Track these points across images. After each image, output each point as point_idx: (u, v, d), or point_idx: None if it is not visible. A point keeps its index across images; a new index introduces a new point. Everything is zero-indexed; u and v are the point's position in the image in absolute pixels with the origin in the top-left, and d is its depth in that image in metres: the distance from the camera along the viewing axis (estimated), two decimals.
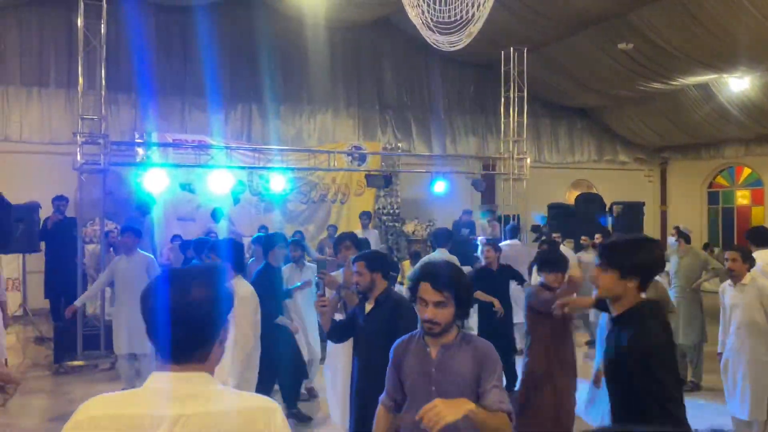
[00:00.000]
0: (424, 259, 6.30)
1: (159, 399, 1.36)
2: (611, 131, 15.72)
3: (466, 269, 9.47)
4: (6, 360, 6.51)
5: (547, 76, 13.30)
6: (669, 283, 6.81)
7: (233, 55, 12.46)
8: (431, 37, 5.65)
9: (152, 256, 6.51)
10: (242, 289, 3.94)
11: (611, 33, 10.83)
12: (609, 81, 12.75)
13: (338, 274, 4.36)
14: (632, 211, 10.33)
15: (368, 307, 3.42)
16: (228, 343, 3.71)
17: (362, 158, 12.24)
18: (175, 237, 9.16)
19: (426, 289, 2.28)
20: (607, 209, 10.76)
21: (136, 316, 5.39)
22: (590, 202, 10.80)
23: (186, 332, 1.38)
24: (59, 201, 8.66)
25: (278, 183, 10.04)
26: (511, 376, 6.12)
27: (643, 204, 10.90)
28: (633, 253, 2.24)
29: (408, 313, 3.24)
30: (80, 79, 7.54)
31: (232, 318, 3.78)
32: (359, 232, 9.05)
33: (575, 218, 10.66)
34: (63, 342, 7.41)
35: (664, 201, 16.29)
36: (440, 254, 6.58)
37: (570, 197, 14.19)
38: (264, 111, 12.71)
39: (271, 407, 1.46)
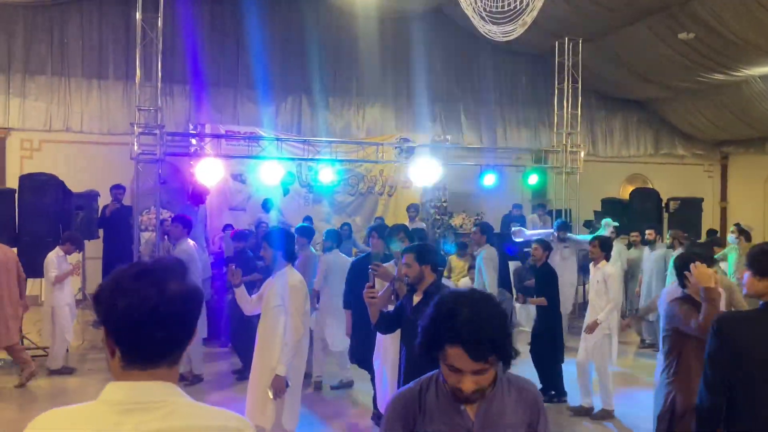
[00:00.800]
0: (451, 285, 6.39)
1: (112, 414, 1.21)
2: (669, 124, 15.17)
3: (515, 264, 9.38)
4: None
5: (603, 67, 12.91)
6: None
7: (284, 47, 12.58)
8: (484, 27, 5.56)
9: (192, 244, 6.58)
10: (293, 278, 3.98)
11: (671, 22, 10.43)
12: (668, 72, 12.29)
13: (391, 266, 4.37)
14: (689, 207, 9.96)
15: (416, 299, 3.42)
16: (278, 331, 3.79)
17: (410, 151, 12.18)
18: (227, 226, 9.35)
19: (459, 356, 1.61)
20: (663, 205, 10.40)
21: None
22: (645, 197, 10.44)
23: (162, 332, 1.23)
24: (117, 190, 8.95)
25: (327, 175, 10.10)
26: (558, 385, 6.06)
27: (702, 200, 10.48)
28: None
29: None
30: (138, 72, 7.74)
31: (283, 307, 3.83)
32: (406, 224, 9.04)
33: (629, 214, 10.35)
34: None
35: (724, 197, 15.64)
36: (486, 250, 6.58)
37: (624, 192, 13.77)
38: (313, 103, 12.80)
39: (242, 426, 1.31)
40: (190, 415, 1.25)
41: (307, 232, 6.63)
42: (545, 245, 6.35)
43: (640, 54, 11.92)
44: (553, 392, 6.09)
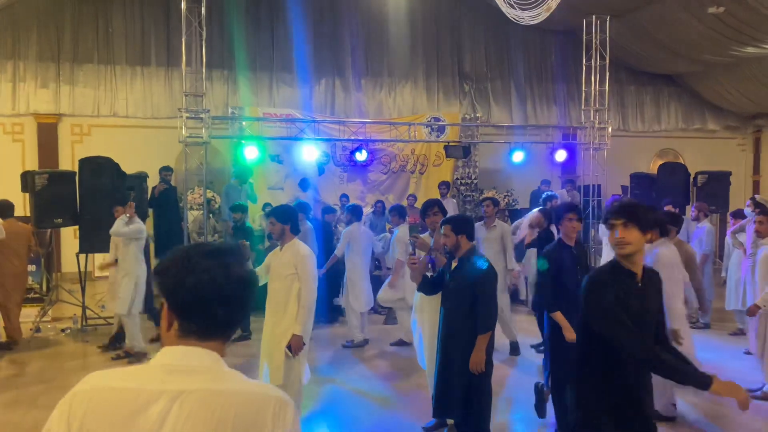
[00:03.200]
0: None
1: (161, 373, 1.28)
2: (700, 98, 15.12)
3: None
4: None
5: (633, 42, 12.96)
6: (744, 252, 6.81)
7: (317, 30, 12.93)
8: (511, 13, 5.84)
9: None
10: (304, 249, 4.38)
11: None
12: (698, 46, 12.29)
13: (427, 237, 4.79)
14: (717, 181, 10.08)
15: (454, 264, 3.84)
16: (292, 296, 4.20)
17: (441, 129, 12.50)
18: (266, 205, 9.83)
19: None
20: (691, 179, 10.53)
21: None
22: (673, 171, 10.58)
23: (223, 310, 1.32)
24: (165, 171, 9.47)
25: (360, 154, 10.49)
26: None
27: (730, 174, 10.56)
28: None
29: (485, 273, 3.65)
30: (183, 59, 8.20)
31: (296, 274, 4.23)
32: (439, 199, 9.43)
33: (657, 188, 10.52)
34: None
35: (757, 170, 15.57)
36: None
37: (655, 167, 13.85)
38: (346, 85, 13.15)
39: (284, 399, 1.33)
40: (232, 380, 1.31)
41: (304, 207, 7.74)
42: (546, 213, 6.78)
43: (670, 29, 11.95)
44: None
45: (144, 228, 6.94)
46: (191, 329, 1.31)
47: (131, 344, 6.74)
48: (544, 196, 9.05)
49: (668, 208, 7.59)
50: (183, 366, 1.28)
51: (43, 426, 1.27)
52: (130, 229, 6.60)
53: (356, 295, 7.30)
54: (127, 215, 6.63)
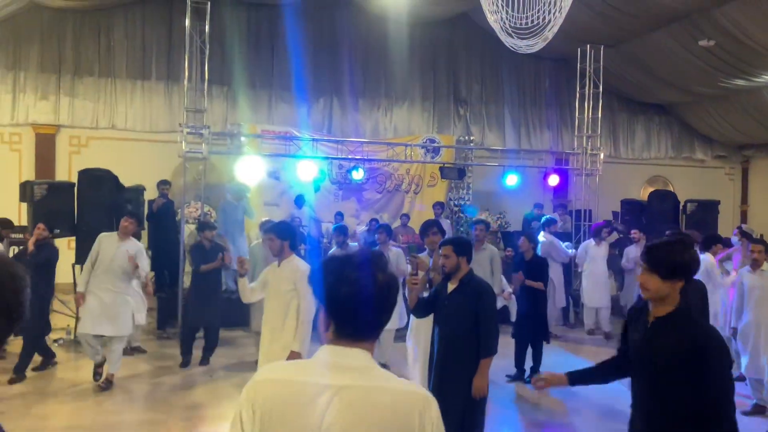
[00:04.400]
0: None
1: (325, 369, 1.45)
2: (690, 128, 15.43)
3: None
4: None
5: (625, 71, 13.25)
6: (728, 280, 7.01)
7: (316, 50, 13.11)
8: (508, 41, 6.02)
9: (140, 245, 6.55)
10: (303, 265, 4.45)
11: (692, 29, 10.75)
12: (689, 77, 12.59)
13: (426, 257, 4.88)
14: (706, 209, 10.28)
15: (451, 286, 3.89)
16: (291, 312, 4.27)
17: (436, 151, 12.68)
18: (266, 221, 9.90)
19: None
20: (681, 207, 10.73)
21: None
22: (663, 199, 10.78)
23: (373, 314, 1.48)
24: (163, 185, 9.55)
25: (357, 173, 10.63)
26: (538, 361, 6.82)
27: (719, 203, 10.78)
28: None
29: (488, 295, 3.73)
30: (186, 75, 8.33)
31: (295, 290, 4.30)
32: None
33: (647, 215, 10.70)
34: (165, 311, 8.29)
35: (745, 200, 15.85)
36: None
37: (645, 194, 14.08)
38: (344, 104, 13.31)
39: (429, 397, 1.46)
40: (383, 378, 1.46)
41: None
42: (531, 238, 7.13)
43: (662, 59, 12.24)
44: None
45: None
46: (346, 331, 1.48)
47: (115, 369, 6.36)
48: (543, 220, 9.26)
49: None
50: (342, 363, 1.44)
51: None
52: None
53: None
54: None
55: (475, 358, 3.79)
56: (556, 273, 8.83)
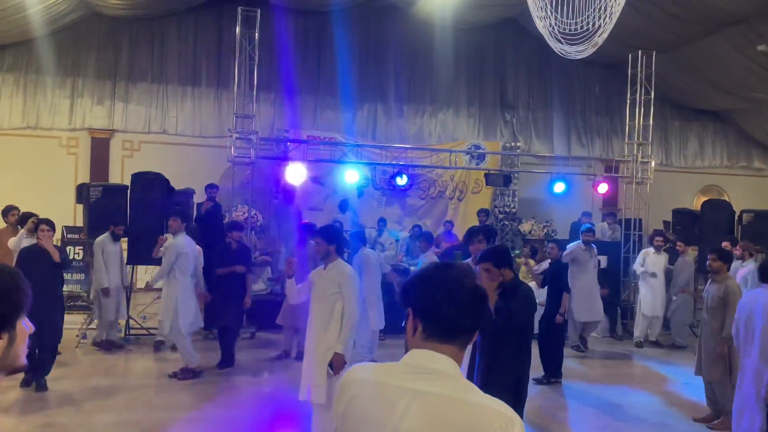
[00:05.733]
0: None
1: (408, 373, 1.48)
2: (747, 136, 14.87)
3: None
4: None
5: (678, 77, 12.88)
6: None
7: (362, 56, 13.20)
8: (557, 47, 5.93)
9: (184, 239, 6.86)
10: (348, 269, 4.49)
11: (749, 34, 10.38)
12: (745, 83, 12.15)
13: (470, 263, 4.84)
14: (764, 220, 9.86)
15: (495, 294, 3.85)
16: (336, 315, 4.28)
17: (481, 157, 12.58)
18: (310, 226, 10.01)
19: None
20: (737, 217, 10.34)
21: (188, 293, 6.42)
22: (717, 208, 10.41)
23: (460, 317, 1.51)
24: (211, 189, 9.73)
25: (401, 179, 10.63)
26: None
27: None
28: None
29: (524, 296, 3.71)
30: (235, 82, 8.51)
31: (340, 293, 4.33)
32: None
33: (701, 225, 10.36)
34: (213, 311, 8.43)
35: None
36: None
37: (698, 203, 13.64)
38: (388, 110, 13.36)
39: (512, 416, 1.41)
40: (469, 391, 1.45)
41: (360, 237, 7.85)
42: (559, 245, 7.39)
43: (717, 65, 11.86)
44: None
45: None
46: (433, 331, 1.51)
47: (187, 361, 6.69)
48: (583, 227, 9.05)
49: (726, 245, 7.67)
50: (428, 367, 1.46)
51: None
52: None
53: (373, 314, 7.21)
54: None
55: (516, 365, 3.76)
56: (586, 282, 8.49)
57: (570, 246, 8.47)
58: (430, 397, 1.41)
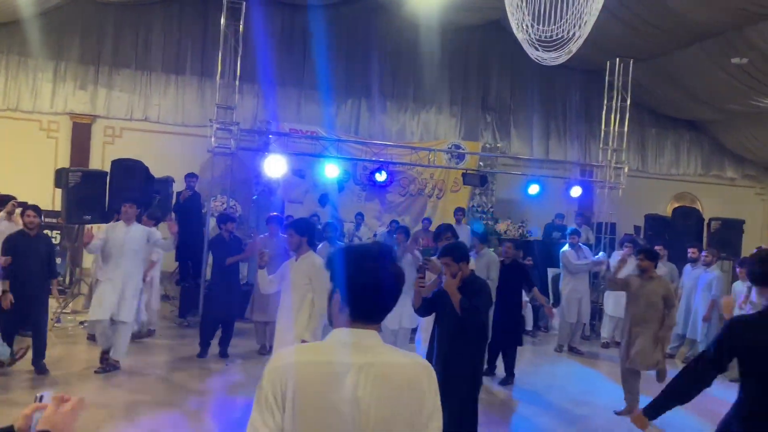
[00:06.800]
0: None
1: (345, 349, 1.61)
2: (721, 145, 15.23)
3: (554, 271, 9.86)
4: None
5: (657, 86, 13.16)
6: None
7: (348, 52, 13.29)
8: (534, 54, 6.09)
9: (153, 228, 6.92)
10: (318, 261, 4.64)
11: (725, 47, 10.65)
12: (721, 95, 12.45)
13: (439, 261, 5.03)
14: (730, 228, 10.17)
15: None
16: (305, 305, 4.42)
17: (461, 157, 12.76)
18: (287, 217, 10.11)
19: None
20: (705, 224, 10.64)
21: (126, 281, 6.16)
22: (688, 215, 10.71)
23: (384, 300, 1.67)
24: (191, 178, 9.79)
25: (380, 175, 10.76)
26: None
27: (743, 222, 10.64)
28: None
29: (485, 293, 3.91)
30: (219, 72, 8.56)
31: (311, 285, 4.48)
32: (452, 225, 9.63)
33: (671, 231, 10.63)
34: (187, 300, 8.53)
35: None
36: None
37: (671, 210, 13.96)
38: (372, 106, 13.46)
39: (429, 366, 1.69)
40: (393, 353, 1.66)
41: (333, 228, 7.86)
42: (516, 244, 7.36)
43: (693, 76, 12.14)
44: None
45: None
46: (362, 315, 1.65)
47: (118, 355, 6.43)
48: (569, 230, 9.33)
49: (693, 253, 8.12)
50: (362, 344, 1.61)
51: None
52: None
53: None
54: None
55: (473, 356, 3.95)
56: (577, 284, 8.77)
57: (562, 251, 8.91)
58: (375, 367, 1.58)
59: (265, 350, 7.55)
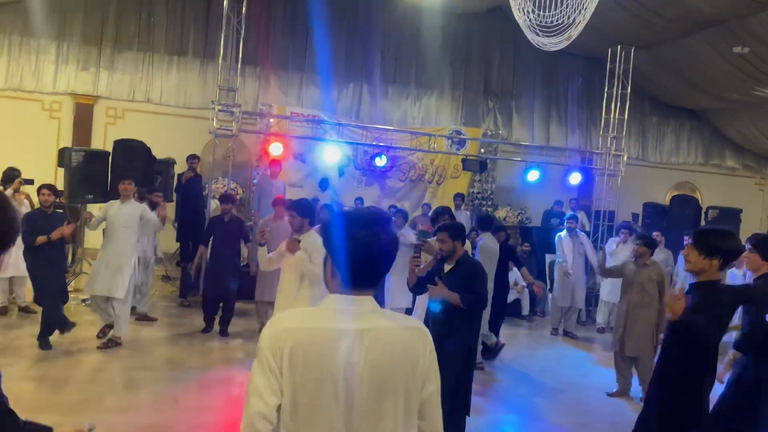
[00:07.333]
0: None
1: (343, 316, 1.62)
2: (721, 135, 15.26)
3: (552, 257, 9.94)
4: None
5: (658, 74, 13.17)
6: None
7: (350, 36, 13.29)
8: (534, 39, 6.13)
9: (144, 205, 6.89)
10: (318, 239, 4.72)
11: (727, 36, 10.66)
12: (722, 84, 12.47)
13: (435, 241, 5.13)
14: (727, 217, 10.24)
15: (447, 267, 4.14)
16: (305, 283, 4.53)
17: (461, 142, 12.80)
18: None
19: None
20: (703, 212, 10.71)
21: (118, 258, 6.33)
22: (685, 204, 10.77)
23: (377, 267, 1.67)
24: (192, 159, 9.84)
25: (380, 160, 10.81)
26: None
27: (740, 211, 10.72)
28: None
29: (481, 274, 3.98)
30: (221, 54, 8.59)
31: (310, 260, 4.59)
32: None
33: (669, 219, 10.70)
34: (188, 280, 8.62)
35: None
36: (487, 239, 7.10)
37: (670, 198, 14.02)
38: (373, 91, 13.47)
39: (424, 328, 1.72)
40: (390, 318, 1.69)
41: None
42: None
43: (695, 64, 12.15)
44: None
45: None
46: (352, 281, 1.64)
47: (119, 332, 6.52)
48: (567, 215, 9.43)
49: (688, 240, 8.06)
50: (356, 310, 1.62)
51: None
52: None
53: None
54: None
55: (466, 335, 4.03)
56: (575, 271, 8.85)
57: (557, 236, 8.98)
58: (370, 333, 1.60)
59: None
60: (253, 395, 1.60)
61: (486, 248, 6.75)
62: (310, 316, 1.67)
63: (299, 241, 4.86)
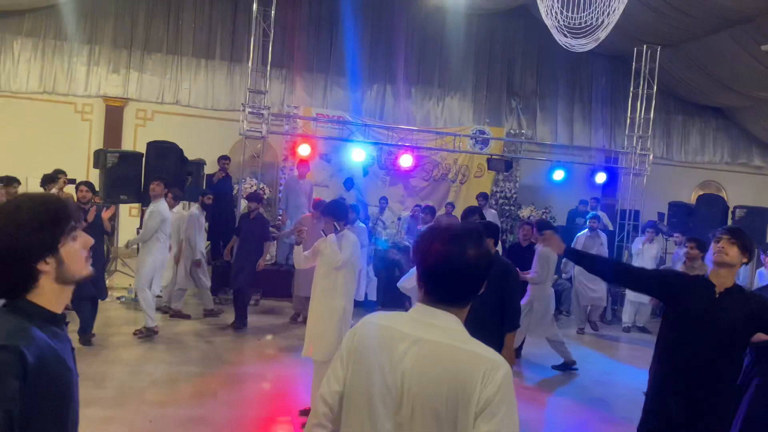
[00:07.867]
0: None
1: (411, 322, 1.65)
2: (748, 133, 15.10)
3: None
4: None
5: (684, 72, 13.08)
6: None
7: (374, 37, 13.42)
8: (562, 40, 6.19)
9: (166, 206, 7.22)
10: (353, 237, 4.95)
11: (755, 33, 10.57)
12: (750, 82, 12.35)
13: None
14: (756, 216, 10.14)
15: None
16: (340, 281, 4.67)
17: (485, 142, 12.85)
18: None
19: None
20: (730, 212, 10.63)
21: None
22: (712, 203, 10.69)
23: (458, 284, 1.62)
24: (224, 160, 10.04)
25: (405, 160, 10.92)
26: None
27: None
28: None
29: (513, 275, 4.06)
30: (251, 57, 8.76)
31: (347, 253, 4.74)
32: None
33: (695, 219, 10.64)
34: (219, 279, 8.81)
35: None
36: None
37: (695, 198, 13.92)
38: (397, 92, 13.58)
39: (498, 362, 1.55)
40: (463, 340, 1.60)
41: (356, 209, 8.12)
42: (532, 226, 7.45)
43: (722, 62, 12.06)
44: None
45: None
46: (431, 296, 1.64)
47: (148, 321, 6.90)
48: (589, 215, 9.47)
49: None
50: (426, 321, 1.61)
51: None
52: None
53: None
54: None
55: (499, 334, 4.12)
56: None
57: (576, 236, 9.04)
58: (428, 344, 1.58)
59: (296, 318, 7.90)
60: (325, 378, 1.71)
61: (545, 255, 6.85)
62: (389, 317, 1.72)
63: (304, 229, 5.08)
